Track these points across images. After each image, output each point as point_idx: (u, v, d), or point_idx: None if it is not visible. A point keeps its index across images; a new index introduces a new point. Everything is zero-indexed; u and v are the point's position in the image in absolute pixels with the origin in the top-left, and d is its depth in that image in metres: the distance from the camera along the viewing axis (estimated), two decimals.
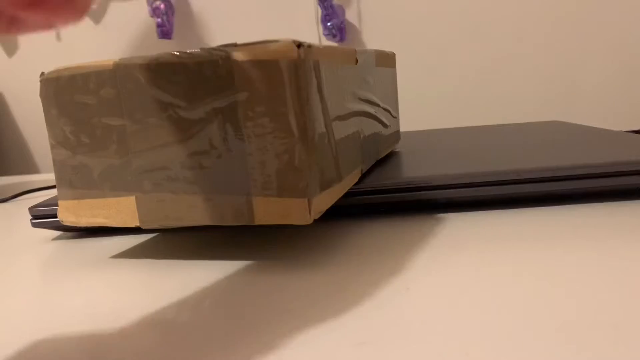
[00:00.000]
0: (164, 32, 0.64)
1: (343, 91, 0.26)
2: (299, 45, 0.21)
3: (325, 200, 0.24)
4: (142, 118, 0.23)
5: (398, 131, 0.41)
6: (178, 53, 0.22)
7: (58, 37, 0.71)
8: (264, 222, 0.23)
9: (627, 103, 0.63)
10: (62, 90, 0.24)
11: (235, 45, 0.22)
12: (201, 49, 0.22)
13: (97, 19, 0.69)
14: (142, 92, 0.23)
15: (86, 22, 0.70)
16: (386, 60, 0.37)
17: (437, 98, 0.60)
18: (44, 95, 0.25)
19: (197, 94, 0.22)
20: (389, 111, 0.37)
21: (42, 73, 0.25)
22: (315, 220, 0.24)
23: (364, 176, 0.31)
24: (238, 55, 0.21)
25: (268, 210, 0.23)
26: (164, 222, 0.24)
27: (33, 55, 0.72)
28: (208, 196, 0.23)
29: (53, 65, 0.72)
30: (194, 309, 0.20)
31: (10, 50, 0.72)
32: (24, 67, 0.72)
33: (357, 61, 0.29)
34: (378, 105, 0.34)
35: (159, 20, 0.63)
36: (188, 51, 0.22)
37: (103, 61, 0.24)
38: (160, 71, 0.23)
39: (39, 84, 0.25)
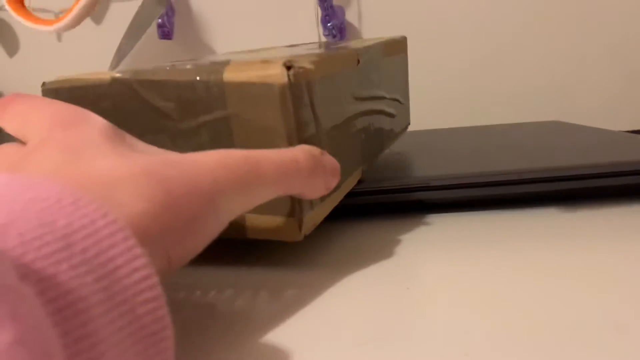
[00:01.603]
0: (165, 32, 0.64)
1: (341, 98, 0.26)
2: (290, 66, 0.21)
3: (319, 213, 0.24)
4: (139, 132, 0.23)
5: (407, 116, 0.40)
6: (170, 69, 0.22)
7: (59, 38, 0.71)
8: (256, 237, 0.23)
9: (627, 103, 0.63)
10: (62, 100, 0.24)
11: (227, 63, 0.22)
12: (195, 65, 0.22)
13: (98, 19, 0.69)
14: (138, 107, 0.23)
15: (86, 23, 0.70)
16: (396, 47, 0.36)
17: (437, 98, 0.60)
18: None
19: (190, 111, 0.22)
20: (397, 100, 0.36)
21: (44, 83, 0.25)
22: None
23: (365, 175, 0.31)
24: (228, 77, 0.21)
25: (260, 226, 0.23)
26: None
27: (34, 56, 0.72)
28: None
29: (54, 66, 0.72)
30: (191, 309, 0.21)
31: (12, 51, 0.72)
32: (25, 68, 0.72)
33: (358, 62, 0.29)
34: (384, 98, 0.33)
35: (160, 21, 0.63)
36: (181, 68, 0.22)
37: (101, 73, 0.24)
38: (155, 87, 0.22)
39: (39, 86, 0.25)
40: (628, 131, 0.49)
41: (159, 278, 0.13)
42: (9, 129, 0.20)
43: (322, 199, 0.24)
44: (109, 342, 0.11)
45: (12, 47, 0.71)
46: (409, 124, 0.41)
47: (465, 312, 0.19)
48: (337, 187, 0.26)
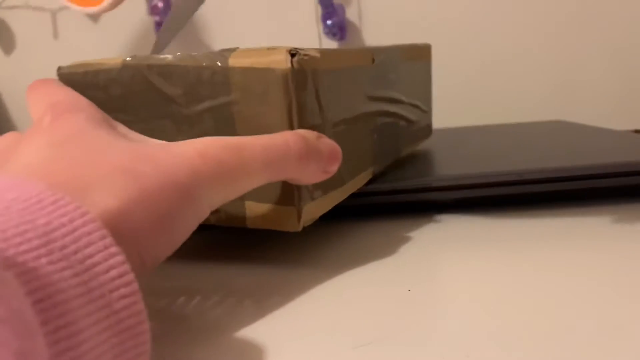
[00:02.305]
0: None
1: (352, 94, 0.26)
2: (295, 54, 0.21)
3: (320, 206, 0.24)
4: (146, 117, 0.24)
5: (429, 125, 0.39)
6: (180, 55, 0.23)
7: (55, 36, 0.70)
8: (256, 226, 0.23)
9: (632, 102, 0.63)
10: (75, 85, 0.24)
11: (234, 50, 0.22)
12: (203, 53, 0.23)
13: (95, 17, 0.69)
14: (146, 92, 0.23)
15: (84, 21, 0.70)
16: (418, 53, 0.36)
17: (439, 97, 0.59)
18: None
19: (196, 96, 0.22)
20: (417, 106, 0.36)
21: (59, 67, 0.25)
22: (315, 221, 0.24)
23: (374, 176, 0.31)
24: (234, 62, 0.21)
25: (259, 215, 0.23)
26: None
27: (30, 54, 0.71)
28: None
29: (51, 64, 0.71)
30: (192, 308, 0.20)
31: (8, 48, 0.71)
32: (22, 66, 0.72)
33: (373, 61, 0.28)
34: (402, 102, 0.33)
35: (157, 18, 0.63)
36: (190, 54, 0.23)
37: (113, 59, 0.24)
38: (164, 73, 0.23)
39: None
40: (633, 131, 0.48)
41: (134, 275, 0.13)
42: (30, 112, 0.21)
43: (325, 191, 0.24)
44: (87, 333, 0.12)
45: (8, 45, 0.71)
46: (431, 132, 0.40)
47: (466, 313, 0.19)
48: (343, 183, 0.25)
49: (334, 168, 0.22)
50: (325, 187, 0.24)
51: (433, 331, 0.17)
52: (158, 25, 0.63)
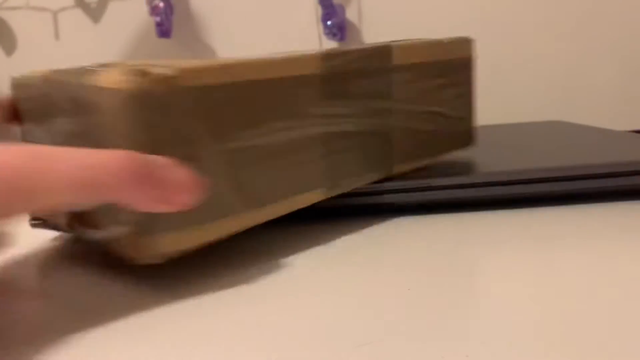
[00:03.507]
0: (163, 31, 0.64)
1: (275, 111, 0.23)
2: (146, 73, 0.19)
3: (191, 237, 0.21)
4: (51, 129, 0.24)
5: (461, 132, 0.33)
6: (64, 70, 0.23)
7: (56, 37, 0.70)
8: (118, 254, 0.22)
9: (631, 102, 0.63)
10: (20, 93, 0.26)
11: (101, 65, 0.21)
12: (77, 67, 0.23)
13: (96, 17, 0.69)
14: (49, 104, 0.23)
15: (85, 21, 0.70)
16: (435, 51, 0.30)
17: None
18: None
19: (71, 112, 0.22)
20: (437, 113, 0.31)
21: (13, 78, 0.26)
22: (314, 221, 0.24)
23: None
24: (86, 80, 0.20)
25: (120, 241, 0.21)
26: None
27: (32, 54, 0.71)
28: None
29: (51, 65, 0.71)
30: (193, 307, 0.20)
31: (9, 49, 0.71)
32: (23, 66, 0.72)
33: (321, 69, 0.25)
34: (397, 112, 0.29)
35: (158, 19, 0.63)
36: (73, 68, 0.23)
37: (42, 70, 0.24)
38: (52, 86, 0.23)
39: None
40: (632, 131, 0.48)
41: None
42: None
43: (201, 222, 0.21)
44: None
45: (9, 46, 0.71)
46: (471, 141, 0.34)
47: (466, 312, 0.18)
48: (240, 211, 0.23)
49: (182, 199, 0.20)
50: (202, 216, 0.21)
51: (433, 331, 0.17)
52: (158, 25, 0.63)
